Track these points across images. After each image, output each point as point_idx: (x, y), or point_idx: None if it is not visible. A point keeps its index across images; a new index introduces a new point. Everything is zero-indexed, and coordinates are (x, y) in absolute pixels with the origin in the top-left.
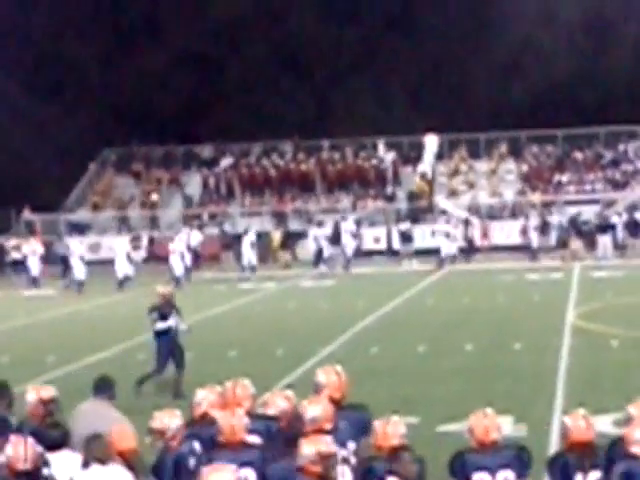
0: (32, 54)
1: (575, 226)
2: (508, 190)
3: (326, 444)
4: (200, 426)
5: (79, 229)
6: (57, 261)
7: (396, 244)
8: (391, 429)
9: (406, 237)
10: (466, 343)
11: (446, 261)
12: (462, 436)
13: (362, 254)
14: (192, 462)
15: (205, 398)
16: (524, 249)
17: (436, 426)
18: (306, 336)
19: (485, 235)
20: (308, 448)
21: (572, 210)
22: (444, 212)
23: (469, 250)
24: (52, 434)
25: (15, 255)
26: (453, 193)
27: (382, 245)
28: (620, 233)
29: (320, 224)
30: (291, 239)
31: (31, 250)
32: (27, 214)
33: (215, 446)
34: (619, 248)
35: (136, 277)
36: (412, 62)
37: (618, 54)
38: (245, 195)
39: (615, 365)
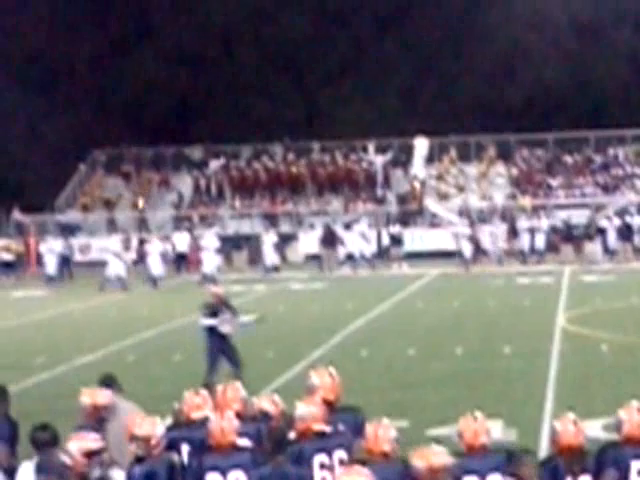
0: (22, 54)
1: (567, 230)
2: (498, 193)
3: (436, 456)
4: (190, 429)
5: (70, 230)
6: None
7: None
8: (382, 433)
9: (396, 240)
10: (456, 347)
11: (470, 262)
12: (452, 440)
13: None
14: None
15: (193, 400)
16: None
17: (426, 430)
18: (296, 339)
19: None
20: (419, 462)
21: (562, 214)
22: (434, 215)
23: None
24: (42, 435)
25: (5, 256)
26: (443, 196)
27: (372, 248)
28: (610, 237)
29: (348, 226)
30: (281, 241)
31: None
32: (17, 215)
33: (205, 449)
34: (609, 253)
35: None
36: (402, 65)
37: (609, 58)
38: (235, 197)
39: (605, 369)
